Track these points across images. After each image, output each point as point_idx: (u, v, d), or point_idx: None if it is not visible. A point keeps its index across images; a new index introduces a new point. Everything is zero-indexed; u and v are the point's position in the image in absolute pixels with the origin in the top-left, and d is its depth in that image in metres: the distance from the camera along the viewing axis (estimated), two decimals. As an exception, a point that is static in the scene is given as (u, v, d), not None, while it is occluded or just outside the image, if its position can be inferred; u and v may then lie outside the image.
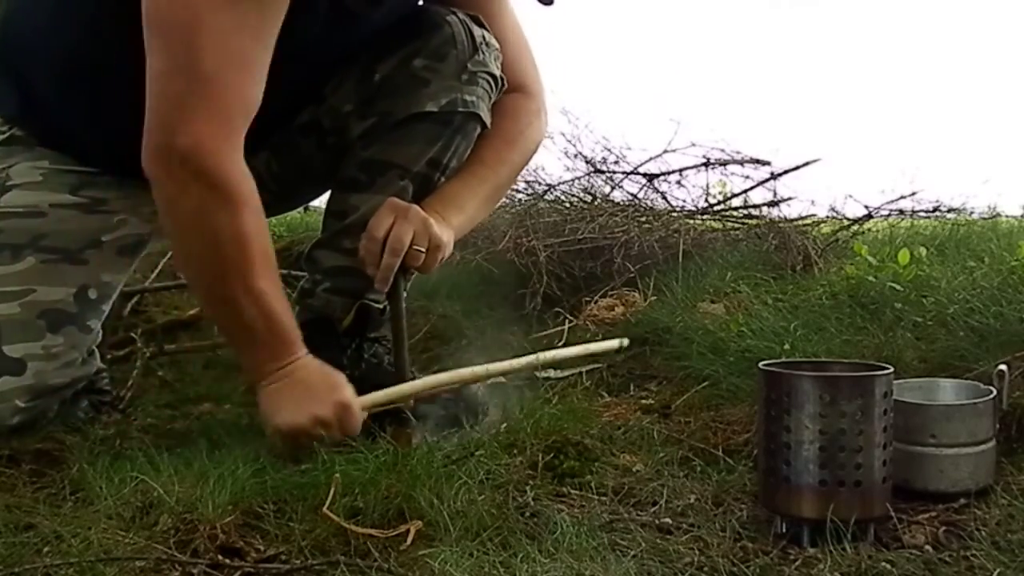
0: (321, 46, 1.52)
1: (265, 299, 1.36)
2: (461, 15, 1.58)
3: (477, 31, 1.58)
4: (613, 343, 1.91)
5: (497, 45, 1.61)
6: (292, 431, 1.36)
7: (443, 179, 1.62)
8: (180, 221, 1.37)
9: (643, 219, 2.64)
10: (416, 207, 1.50)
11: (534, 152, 1.75)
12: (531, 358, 1.69)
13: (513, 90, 1.68)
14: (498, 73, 1.61)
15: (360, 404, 1.41)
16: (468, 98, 1.57)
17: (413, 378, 1.55)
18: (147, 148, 1.33)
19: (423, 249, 1.48)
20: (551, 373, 1.87)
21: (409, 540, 1.09)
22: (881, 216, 2.72)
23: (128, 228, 1.61)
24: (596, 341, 1.95)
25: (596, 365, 1.93)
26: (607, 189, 2.94)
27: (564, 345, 2.03)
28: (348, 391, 1.40)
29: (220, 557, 1.07)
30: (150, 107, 1.32)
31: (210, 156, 1.31)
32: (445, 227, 1.53)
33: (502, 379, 1.71)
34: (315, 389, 1.39)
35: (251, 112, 1.35)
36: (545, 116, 1.75)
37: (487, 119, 1.62)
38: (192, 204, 1.33)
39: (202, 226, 1.34)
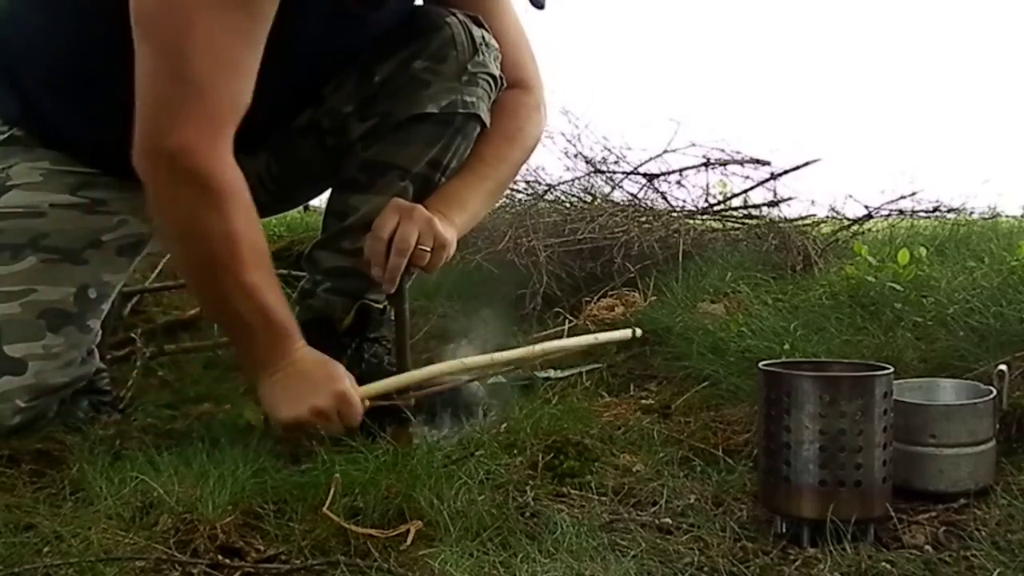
0: (321, 48, 1.52)
1: (258, 293, 1.36)
2: (461, 16, 1.58)
3: (477, 32, 1.58)
4: (625, 333, 1.88)
5: (497, 45, 1.62)
6: (293, 424, 1.36)
7: (443, 180, 1.62)
8: (172, 221, 1.38)
9: (643, 219, 2.64)
10: (420, 207, 1.50)
11: (534, 148, 1.76)
12: (538, 347, 1.69)
13: (512, 86, 1.68)
14: (498, 73, 1.62)
15: (360, 394, 1.41)
16: (468, 99, 1.57)
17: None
18: (137, 150, 1.34)
19: (428, 249, 1.48)
20: (551, 373, 1.87)
21: (409, 540, 1.09)
22: (881, 216, 2.72)
23: (128, 228, 1.61)
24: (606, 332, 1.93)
25: (596, 365, 1.93)
26: (607, 189, 2.94)
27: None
28: (347, 381, 1.40)
29: (220, 557, 1.07)
30: (139, 110, 1.32)
31: (199, 157, 1.32)
32: (449, 226, 1.53)
33: (501, 374, 1.70)
34: (315, 380, 1.39)
35: (240, 113, 1.36)
36: (544, 111, 1.75)
37: (487, 119, 1.62)
38: (183, 204, 1.34)
39: (193, 226, 1.35)
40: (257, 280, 1.36)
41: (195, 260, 1.39)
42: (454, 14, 1.58)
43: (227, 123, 1.34)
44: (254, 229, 1.39)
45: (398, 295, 1.54)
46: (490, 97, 1.62)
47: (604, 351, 1.98)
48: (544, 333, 2.15)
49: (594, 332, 2.06)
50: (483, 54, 1.58)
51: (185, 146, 1.31)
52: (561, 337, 2.04)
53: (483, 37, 1.59)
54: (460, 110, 1.57)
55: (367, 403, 1.42)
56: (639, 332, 1.87)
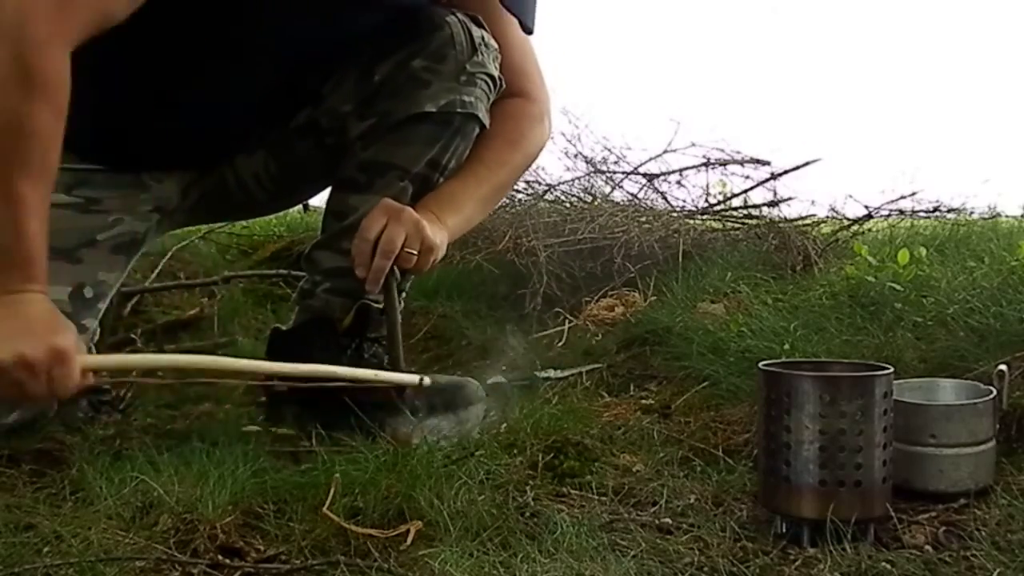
0: (314, 45, 1.52)
1: (23, 207, 1.21)
2: (460, 16, 1.58)
3: (476, 32, 1.58)
4: (412, 379, 1.52)
5: (496, 46, 1.62)
6: None
7: (442, 180, 1.62)
8: None
9: (643, 219, 2.64)
10: (409, 209, 1.50)
11: (535, 156, 1.75)
12: (306, 368, 1.45)
13: (516, 95, 1.68)
14: (496, 74, 1.62)
15: (83, 362, 1.23)
16: (467, 99, 1.57)
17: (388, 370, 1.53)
18: None
19: (415, 252, 1.48)
20: (551, 373, 1.88)
21: (409, 540, 1.09)
22: (881, 216, 2.72)
23: (123, 227, 1.61)
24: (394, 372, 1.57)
25: (596, 365, 1.93)
26: (607, 189, 2.94)
27: (562, 347, 2.03)
28: (72, 339, 1.22)
29: (220, 557, 1.07)
30: None
31: (34, 32, 1.19)
32: (439, 228, 1.53)
33: (501, 377, 1.68)
34: (32, 326, 1.20)
35: (102, 22, 1.26)
36: (549, 122, 1.75)
37: (486, 120, 1.62)
38: None
39: None
40: (28, 193, 1.21)
41: None
42: (454, 14, 1.58)
43: (81, 24, 1.24)
44: (55, 141, 1.24)
45: (388, 296, 1.54)
46: (489, 97, 1.62)
47: (604, 352, 1.99)
48: (543, 333, 2.15)
49: (593, 332, 2.06)
50: (482, 54, 1.58)
51: (23, 14, 1.19)
52: (561, 337, 2.04)
53: (482, 37, 1.59)
54: (459, 110, 1.57)
55: (90, 377, 1.26)
56: (427, 381, 1.51)
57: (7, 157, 1.20)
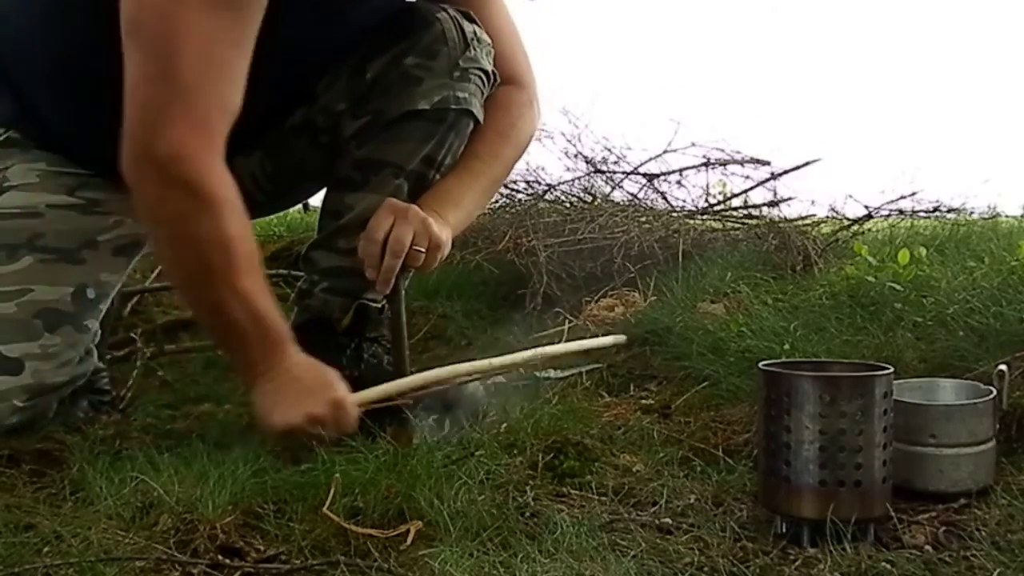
0: (310, 44, 1.52)
1: (252, 299, 1.36)
2: (452, 11, 1.58)
3: (468, 27, 1.58)
4: (610, 339, 1.91)
5: (489, 40, 1.62)
6: (287, 430, 1.36)
7: (438, 176, 1.62)
8: (162, 227, 1.38)
9: (643, 219, 2.64)
10: (415, 207, 1.50)
11: (527, 144, 1.76)
12: (529, 353, 1.69)
13: (505, 82, 1.68)
14: (490, 68, 1.62)
15: (355, 400, 1.40)
16: (461, 95, 1.58)
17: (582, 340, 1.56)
18: (127, 156, 1.33)
19: (423, 250, 1.48)
20: (551, 373, 1.87)
21: (409, 540, 1.09)
22: (881, 216, 2.72)
23: (124, 228, 1.61)
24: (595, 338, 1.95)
25: (596, 365, 1.93)
26: (607, 189, 2.94)
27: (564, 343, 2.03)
28: (342, 387, 1.40)
29: (220, 557, 1.06)
30: (129, 114, 1.31)
31: (190, 163, 1.31)
32: (443, 225, 1.54)
33: (500, 377, 1.70)
34: (309, 387, 1.38)
35: (231, 118, 1.35)
36: (537, 106, 1.75)
37: (480, 115, 1.62)
38: (173, 210, 1.33)
39: (184, 232, 1.34)
40: (250, 286, 1.36)
41: (188, 267, 1.38)
42: (445, 10, 1.58)
43: (218, 129, 1.34)
44: (246, 235, 1.38)
45: (394, 296, 1.54)
46: (483, 93, 1.62)
47: (604, 352, 1.98)
48: (543, 333, 2.15)
49: (594, 332, 2.07)
50: (475, 50, 1.58)
51: (175, 151, 1.30)
52: (561, 337, 2.04)
53: (475, 33, 1.59)
54: (453, 106, 1.57)
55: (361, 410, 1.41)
56: (623, 339, 1.91)
57: (221, 269, 1.34)
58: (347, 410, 1.38)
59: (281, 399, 1.37)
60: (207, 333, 1.86)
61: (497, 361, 1.63)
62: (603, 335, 2.00)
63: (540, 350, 1.72)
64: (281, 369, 1.39)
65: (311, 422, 1.34)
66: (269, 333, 1.39)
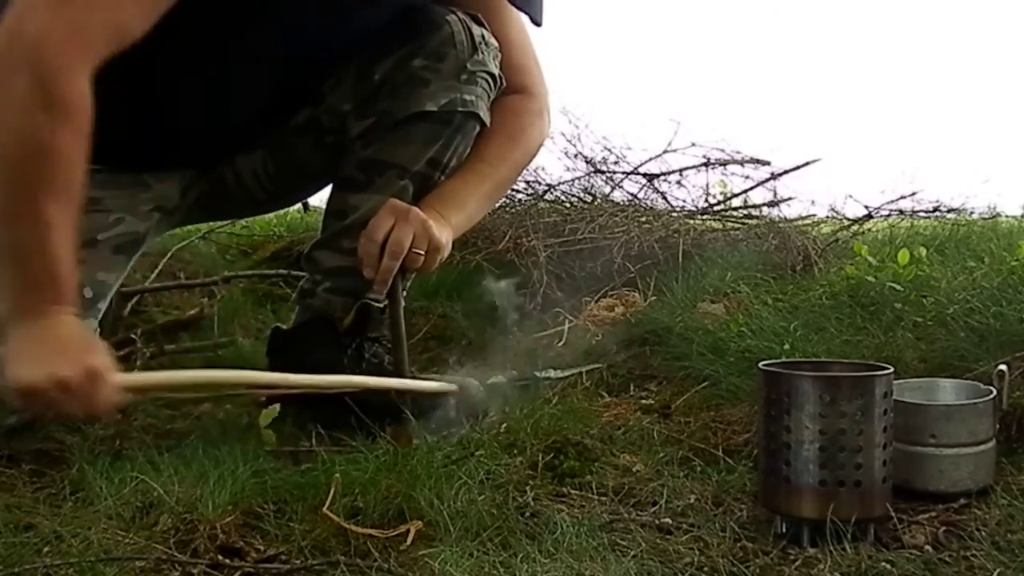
0: (314, 45, 1.52)
1: (49, 230, 1.21)
2: (461, 14, 1.58)
3: (476, 30, 1.58)
4: (438, 386, 1.61)
5: (496, 44, 1.62)
6: (28, 389, 1.17)
7: (443, 178, 1.62)
8: None
9: (643, 219, 2.64)
10: (416, 209, 1.50)
11: (535, 153, 1.76)
12: (339, 379, 1.46)
13: (516, 91, 1.68)
14: (497, 72, 1.62)
15: (120, 381, 1.21)
16: (467, 97, 1.57)
17: (413, 379, 1.55)
18: None
19: (422, 252, 1.48)
20: (551, 373, 1.87)
21: (409, 540, 1.09)
22: (881, 216, 2.72)
23: (124, 226, 1.60)
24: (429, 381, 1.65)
25: (596, 365, 1.93)
26: (607, 189, 2.94)
27: (562, 347, 2.03)
28: (106, 360, 1.20)
29: (220, 557, 1.07)
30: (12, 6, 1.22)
31: (54, 57, 1.19)
32: (444, 227, 1.53)
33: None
34: (65, 346, 1.20)
35: (120, 41, 1.26)
36: (548, 118, 1.75)
37: (486, 118, 1.62)
38: (14, 100, 1.20)
39: (11, 125, 1.20)
40: (55, 214, 1.21)
41: (2, 159, 1.22)
42: (454, 12, 1.58)
43: (99, 44, 1.24)
44: (79, 165, 1.24)
45: (393, 296, 1.54)
46: (489, 96, 1.62)
47: (604, 351, 1.99)
48: (544, 333, 2.15)
49: (594, 332, 2.06)
50: (482, 53, 1.58)
51: (43, 39, 1.19)
52: (561, 337, 2.03)
53: (483, 36, 1.59)
54: (459, 108, 1.57)
55: (128, 395, 1.26)
56: (455, 388, 1.60)
57: (33, 180, 1.20)
58: (103, 385, 1.18)
59: (32, 351, 1.19)
60: None
61: (294, 378, 1.42)
62: (594, 338, 1.97)
63: (353, 378, 1.49)
64: (46, 318, 1.21)
65: (57, 386, 1.15)
66: (51, 271, 1.22)
